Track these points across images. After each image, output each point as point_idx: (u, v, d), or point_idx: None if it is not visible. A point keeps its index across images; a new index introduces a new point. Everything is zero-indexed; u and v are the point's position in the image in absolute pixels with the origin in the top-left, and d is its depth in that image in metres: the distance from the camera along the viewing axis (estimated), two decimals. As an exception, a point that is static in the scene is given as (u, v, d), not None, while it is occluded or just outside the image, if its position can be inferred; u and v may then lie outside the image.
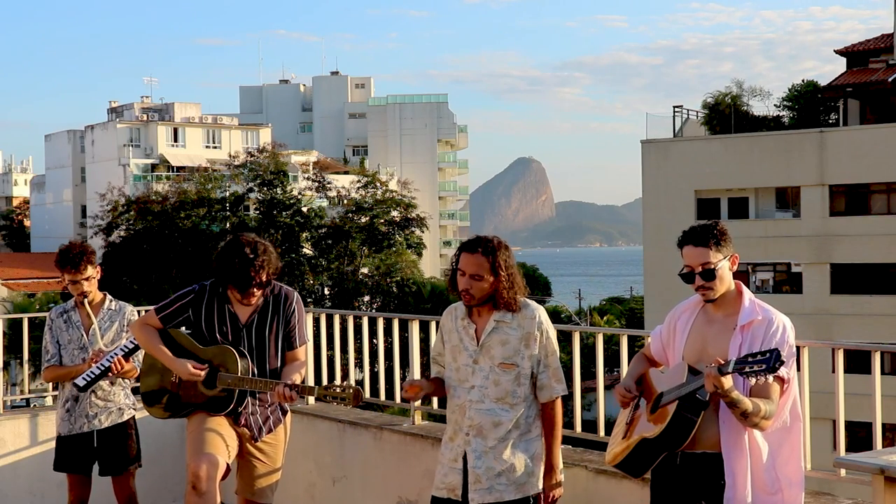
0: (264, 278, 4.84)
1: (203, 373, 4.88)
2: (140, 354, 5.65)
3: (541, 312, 4.50)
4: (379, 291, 49.28)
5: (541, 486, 4.48)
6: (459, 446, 4.46)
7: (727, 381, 3.71)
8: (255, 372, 4.93)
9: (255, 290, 4.85)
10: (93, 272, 5.72)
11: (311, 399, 7.50)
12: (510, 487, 4.39)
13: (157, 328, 5.04)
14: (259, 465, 5.13)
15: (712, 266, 3.93)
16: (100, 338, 5.73)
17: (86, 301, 5.75)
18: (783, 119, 39.45)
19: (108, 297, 5.88)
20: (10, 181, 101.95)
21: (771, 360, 3.61)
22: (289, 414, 5.24)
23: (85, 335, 5.75)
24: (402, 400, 5.12)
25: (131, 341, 5.62)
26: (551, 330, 4.54)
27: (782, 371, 3.82)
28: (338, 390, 4.67)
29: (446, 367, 4.60)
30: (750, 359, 3.66)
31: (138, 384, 5.32)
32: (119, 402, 5.83)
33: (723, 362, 3.75)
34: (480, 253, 4.39)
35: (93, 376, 5.57)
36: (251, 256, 4.77)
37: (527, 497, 4.43)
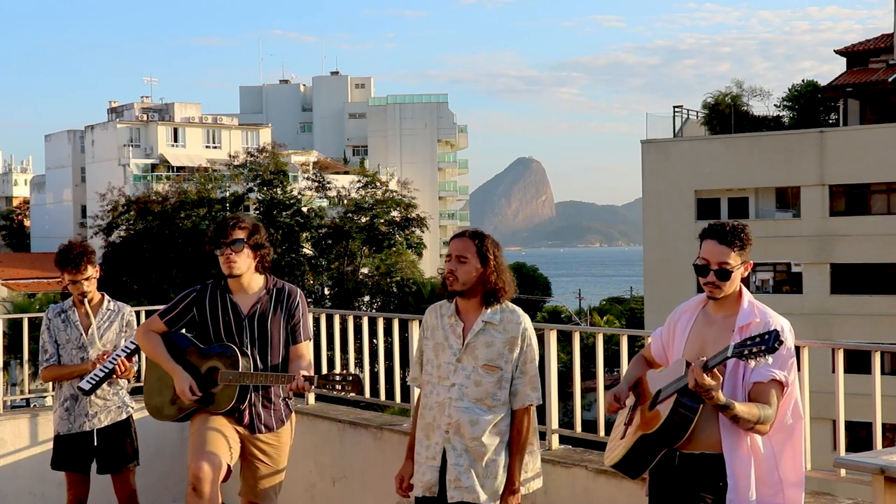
0: (243, 234, 4.89)
1: (194, 398, 4.86)
2: (137, 355, 5.66)
3: (526, 320, 4.51)
4: (379, 291, 49.30)
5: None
6: (437, 444, 4.43)
7: (709, 380, 3.68)
8: (259, 365, 4.92)
9: (237, 232, 4.88)
10: (93, 272, 5.71)
11: (312, 399, 7.51)
12: (486, 490, 4.37)
13: (161, 332, 5.03)
14: (262, 467, 5.10)
15: (729, 268, 3.92)
16: (98, 338, 5.73)
17: (85, 301, 5.75)
18: (783, 119, 39.46)
19: (107, 297, 5.86)
20: (10, 181, 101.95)
21: (770, 341, 3.60)
22: (293, 415, 5.21)
23: (84, 335, 5.73)
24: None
25: (132, 342, 5.62)
26: (534, 339, 4.53)
27: (780, 375, 3.82)
28: (338, 378, 4.68)
29: (426, 364, 4.56)
30: (749, 342, 3.66)
31: (138, 384, 5.30)
32: (118, 401, 5.82)
33: (707, 359, 3.75)
34: (467, 237, 4.46)
35: (97, 379, 5.57)
36: (230, 217, 4.99)
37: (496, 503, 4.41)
